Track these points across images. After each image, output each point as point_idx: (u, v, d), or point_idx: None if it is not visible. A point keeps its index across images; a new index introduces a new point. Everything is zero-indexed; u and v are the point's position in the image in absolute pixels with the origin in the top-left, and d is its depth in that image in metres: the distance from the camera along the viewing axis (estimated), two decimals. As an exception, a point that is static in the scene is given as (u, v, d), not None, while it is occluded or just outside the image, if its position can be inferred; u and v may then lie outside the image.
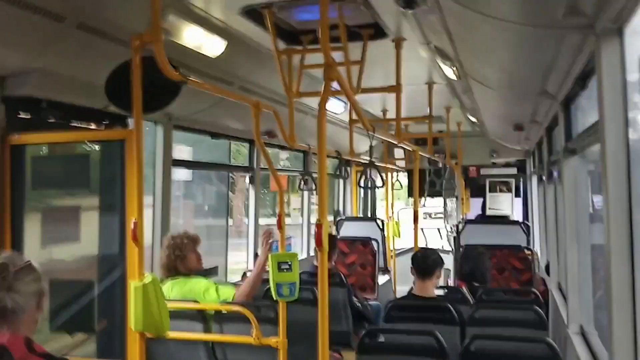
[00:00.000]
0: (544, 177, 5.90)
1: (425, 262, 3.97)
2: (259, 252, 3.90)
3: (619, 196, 2.02)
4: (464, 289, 4.56)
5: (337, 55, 2.85)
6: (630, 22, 1.91)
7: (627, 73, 2.02)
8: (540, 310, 3.59)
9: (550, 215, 5.53)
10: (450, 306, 3.62)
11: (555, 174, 4.76)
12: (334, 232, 7.84)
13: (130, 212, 2.71)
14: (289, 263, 3.12)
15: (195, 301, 3.59)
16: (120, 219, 3.22)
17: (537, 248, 7.57)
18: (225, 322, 3.56)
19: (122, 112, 3.21)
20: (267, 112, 3.62)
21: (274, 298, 3.19)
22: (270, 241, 3.70)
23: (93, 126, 3.60)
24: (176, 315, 3.27)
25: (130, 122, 3.20)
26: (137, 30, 2.55)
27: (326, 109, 2.57)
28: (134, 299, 2.59)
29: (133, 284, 2.61)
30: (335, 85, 2.74)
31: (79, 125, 3.50)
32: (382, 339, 3.42)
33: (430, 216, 16.68)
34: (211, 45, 3.62)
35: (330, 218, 8.70)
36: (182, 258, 3.75)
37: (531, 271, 6.72)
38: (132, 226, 2.65)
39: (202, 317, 3.50)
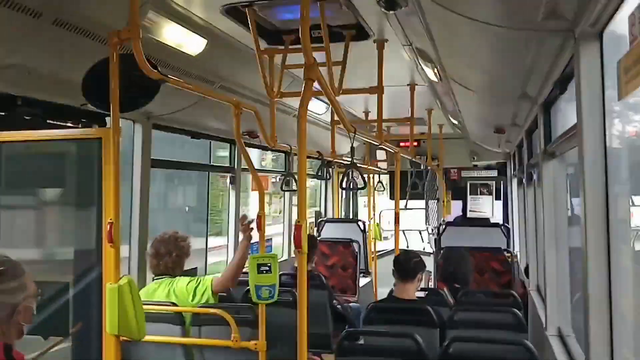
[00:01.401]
0: (523, 180, 5.94)
1: (406, 264, 3.98)
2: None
3: (596, 199, 2.03)
4: (445, 291, 4.57)
5: (319, 56, 2.83)
6: (609, 27, 1.92)
7: (606, 77, 2.03)
8: (518, 312, 3.61)
9: (529, 217, 5.57)
10: (429, 308, 3.62)
11: (534, 176, 4.79)
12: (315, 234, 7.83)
13: (107, 213, 2.66)
14: (269, 265, 3.10)
15: (174, 303, 3.55)
16: (96, 220, 3.16)
17: (517, 250, 7.63)
18: (204, 324, 3.52)
19: (100, 111, 3.16)
20: (249, 112, 3.59)
21: (253, 300, 3.16)
22: (246, 223, 3.61)
23: (70, 124, 3.53)
24: (154, 317, 3.23)
25: (108, 120, 3.15)
26: (116, 27, 2.51)
27: (308, 110, 2.55)
28: (109, 301, 2.55)
29: (108, 286, 2.57)
30: (317, 85, 2.72)
31: (56, 123, 3.44)
32: (361, 341, 3.41)
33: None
34: (191, 44, 3.57)
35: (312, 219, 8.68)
36: (170, 256, 3.72)
37: (511, 273, 6.77)
38: (107, 227, 2.61)
39: (180, 320, 3.46)
